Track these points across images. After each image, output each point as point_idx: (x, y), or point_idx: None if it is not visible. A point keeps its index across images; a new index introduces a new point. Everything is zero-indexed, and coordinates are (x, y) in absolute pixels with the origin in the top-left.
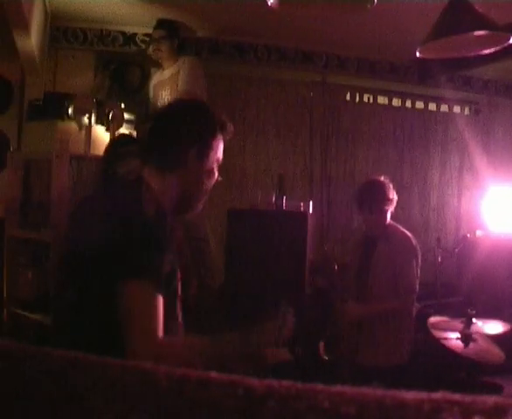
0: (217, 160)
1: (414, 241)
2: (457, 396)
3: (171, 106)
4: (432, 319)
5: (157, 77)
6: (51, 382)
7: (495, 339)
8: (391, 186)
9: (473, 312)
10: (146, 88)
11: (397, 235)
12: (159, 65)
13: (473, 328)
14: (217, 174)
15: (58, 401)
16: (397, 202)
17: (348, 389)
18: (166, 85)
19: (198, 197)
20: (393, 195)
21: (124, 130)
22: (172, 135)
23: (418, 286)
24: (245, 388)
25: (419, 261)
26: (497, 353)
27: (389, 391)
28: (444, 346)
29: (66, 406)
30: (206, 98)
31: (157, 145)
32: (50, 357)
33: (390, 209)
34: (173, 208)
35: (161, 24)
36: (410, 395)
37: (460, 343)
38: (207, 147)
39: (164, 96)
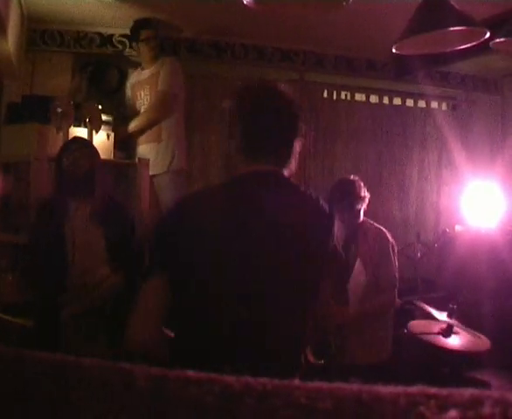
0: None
1: (389, 235)
2: (433, 390)
3: None
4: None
5: (135, 76)
6: (32, 383)
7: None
8: (362, 184)
9: (454, 306)
10: (123, 89)
11: (372, 231)
12: (137, 66)
13: (455, 322)
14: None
15: (37, 402)
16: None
17: (324, 385)
18: (145, 84)
19: None
20: (365, 193)
21: (102, 131)
22: None
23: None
24: (222, 385)
25: (396, 254)
26: (482, 342)
27: (365, 386)
28: (426, 341)
29: (43, 407)
30: (185, 98)
31: None
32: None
33: (363, 207)
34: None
35: (148, 23)
36: (386, 390)
37: (442, 338)
38: None
39: (143, 96)
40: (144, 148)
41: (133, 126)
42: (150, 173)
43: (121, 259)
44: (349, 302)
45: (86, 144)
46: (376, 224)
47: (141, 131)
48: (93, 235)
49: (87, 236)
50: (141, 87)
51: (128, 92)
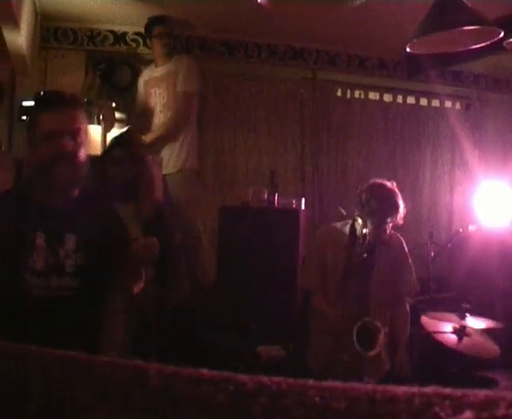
0: (46, 134)
1: (403, 240)
2: (448, 390)
3: None
4: (426, 316)
5: (148, 73)
6: (38, 382)
7: (490, 333)
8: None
9: (467, 306)
10: (136, 87)
11: (393, 239)
12: (150, 64)
13: (467, 323)
14: (52, 149)
15: (48, 400)
16: None
17: (338, 384)
18: (160, 83)
19: (44, 179)
20: (402, 208)
21: (115, 129)
22: None
23: None
24: (236, 384)
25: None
26: (491, 348)
27: (379, 386)
28: (437, 341)
29: (57, 405)
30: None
31: None
32: (38, 356)
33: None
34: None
35: (161, 20)
36: (401, 390)
37: (453, 338)
38: (28, 128)
39: (158, 94)
40: (154, 149)
41: (158, 135)
42: (163, 172)
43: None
44: (369, 312)
45: (132, 153)
46: (393, 231)
47: (168, 140)
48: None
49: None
50: (156, 85)
51: (141, 88)
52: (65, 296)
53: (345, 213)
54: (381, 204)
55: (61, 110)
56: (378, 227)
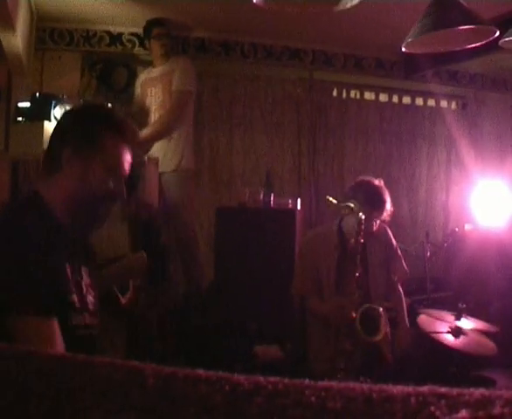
0: (113, 167)
1: (389, 230)
2: (443, 389)
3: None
4: (422, 315)
5: (145, 74)
6: (38, 382)
7: (486, 332)
8: (387, 193)
9: (464, 306)
10: (133, 87)
11: (380, 230)
12: (146, 64)
13: (464, 322)
14: (113, 187)
15: (47, 400)
16: None
17: (334, 384)
18: (156, 82)
19: (84, 210)
20: (388, 206)
21: None
22: (52, 135)
23: None
24: (232, 384)
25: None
26: (489, 346)
27: (375, 385)
28: (434, 340)
29: (56, 405)
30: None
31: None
32: (38, 357)
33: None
34: (68, 217)
35: (160, 21)
36: (397, 389)
37: (450, 337)
38: (90, 148)
39: (154, 93)
40: (154, 146)
41: (151, 131)
42: (159, 170)
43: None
44: (371, 301)
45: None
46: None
47: (160, 137)
48: (119, 230)
49: (112, 231)
50: (152, 85)
51: (138, 89)
52: (93, 335)
53: (335, 201)
54: (367, 199)
55: (129, 147)
56: (365, 222)
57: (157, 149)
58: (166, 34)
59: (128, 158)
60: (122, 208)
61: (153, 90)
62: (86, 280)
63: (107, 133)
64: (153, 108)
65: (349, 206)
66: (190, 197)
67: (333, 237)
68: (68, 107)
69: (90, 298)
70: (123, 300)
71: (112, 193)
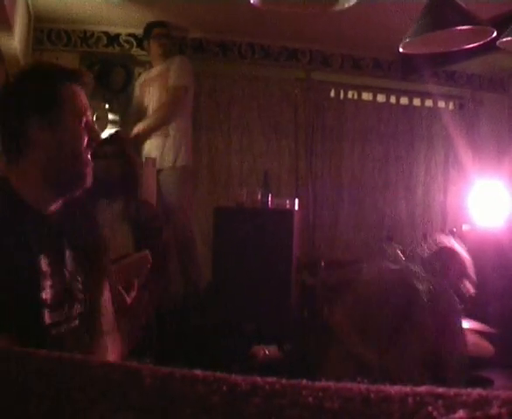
0: (79, 115)
1: None
2: (441, 389)
3: (8, 84)
4: None
5: (144, 75)
6: (37, 383)
7: (484, 333)
8: None
9: (461, 306)
10: (131, 88)
11: None
12: (143, 65)
13: (465, 323)
14: (87, 134)
15: (44, 401)
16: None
17: (332, 384)
18: (153, 81)
19: (71, 173)
20: None
21: (109, 131)
22: (5, 107)
23: None
24: (230, 384)
25: None
26: (486, 347)
27: (373, 385)
28: None
29: (55, 406)
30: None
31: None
32: (35, 357)
33: None
34: (44, 193)
35: (161, 22)
36: (394, 389)
37: None
38: (52, 111)
39: (151, 92)
40: (151, 143)
41: (145, 125)
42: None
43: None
44: None
45: (120, 150)
46: None
47: (154, 129)
48: (121, 231)
49: (114, 232)
50: (150, 84)
51: (137, 91)
52: (76, 326)
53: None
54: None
55: (83, 87)
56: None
57: (155, 147)
58: (166, 34)
59: (84, 96)
60: (123, 208)
61: (150, 89)
62: (70, 266)
63: (63, 87)
64: (150, 107)
65: None
66: (187, 195)
67: None
68: None
69: (76, 285)
70: (128, 299)
71: (88, 138)
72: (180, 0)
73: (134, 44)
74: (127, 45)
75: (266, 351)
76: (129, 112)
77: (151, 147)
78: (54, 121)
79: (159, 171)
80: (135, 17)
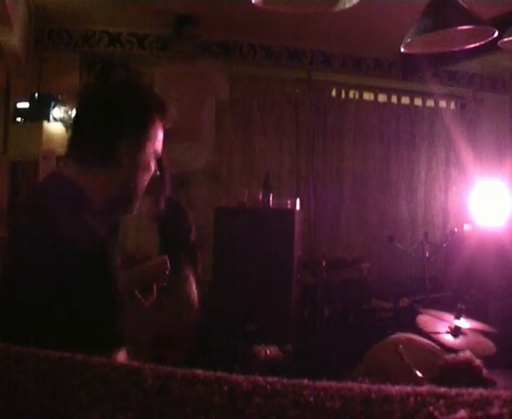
0: (155, 152)
1: None
2: (442, 389)
3: (101, 89)
4: (421, 315)
5: (169, 68)
6: (37, 382)
7: (485, 333)
8: None
9: (463, 306)
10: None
11: None
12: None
13: (463, 322)
14: (153, 168)
15: (44, 400)
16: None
17: (333, 384)
18: (181, 79)
19: (135, 196)
20: None
21: None
22: (100, 123)
23: None
24: (231, 384)
25: None
26: (487, 346)
27: (374, 385)
28: (433, 340)
29: (55, 406)
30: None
31: (82, 136)
32: (37, 357)
33: None
34: (105, 209)
35: (195, 21)
36: (395, 389)
37: (449, 337)
38: (143, 138)
39: (178, 89)
40: (173, 148)
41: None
42: (181, 170)
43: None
44: None
45: None
46: None
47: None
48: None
49: (142, 233)
50: (176, 80)
51: (157, 82)
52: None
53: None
54: None
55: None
56: None
57: (182, 150)
58: (198, 35)
59: (162, 135)
60: (151, 207)
61: (177, 86)
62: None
63: (156, 119)
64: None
65: None
66: (209, 197)
67: None
68: (66, 108)
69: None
70: (146, 304)
71: (154, 175)
72: (181, 0)
73: (136, 43)
74: (128, 45)
75: (267, 351)
76: None
77: (176, 151)
78: (139, 149)
79: (184, 174)
80: (137, 17)
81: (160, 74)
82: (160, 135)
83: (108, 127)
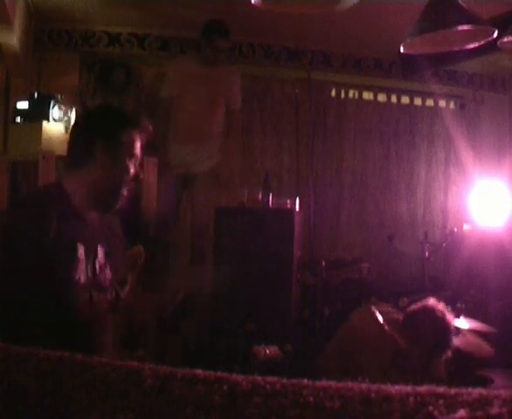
0: (132, 155)
1: None
2: (441, 389)
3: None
4: None
5: (186, 65)
6: (37, 382)
7: (485, 333)
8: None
9: (462, 306)
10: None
11: None
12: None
13: (462, 322)
14: (133, 171)
15: (44, 400)
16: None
17: (332, 384)
18: (198, 81)
19: (113, 192)
20: None
21: None
22: (79, 132)
23: None
24: (231, 384)
25: None
26: (486, 348)
27: (373, 385)
28: None
29: (55, 405)
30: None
31: (68, 144)
32: (37, 357)
33: None
34: (89, 206)
35: (226, 32)
36: (395, 389)
37: None
38: (116, 142)
39: (196, 92)
40: (182, 149)
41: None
42: (187, 171)
43: None
44: None
45: None
46: None
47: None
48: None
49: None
50: (192, 81)
51: (174, 75)
52: (104, 310)
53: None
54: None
55: (144, 135)
56: None
57: (187, 152)
58: (226, 48)
59: (140, 140)
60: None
61: (191, 87)
62: (101, 259)
63: (130, 130)
64: (188, 104)
65: None
66: (213, 199)
67: None
68: (66, 108)
69: (105, 276)
70: (122, 294)
71: (133, 175)
72: (180, 0)
73: (136, 43)
74: (128, 45)
75: (267, 351)
76: (162, 94)
77: (181, 153)
78: (115, 152)
79: (189, 175)
80: (136, 17)
81: (173, 72)
82: (136, 140)
83: (87, 134)
